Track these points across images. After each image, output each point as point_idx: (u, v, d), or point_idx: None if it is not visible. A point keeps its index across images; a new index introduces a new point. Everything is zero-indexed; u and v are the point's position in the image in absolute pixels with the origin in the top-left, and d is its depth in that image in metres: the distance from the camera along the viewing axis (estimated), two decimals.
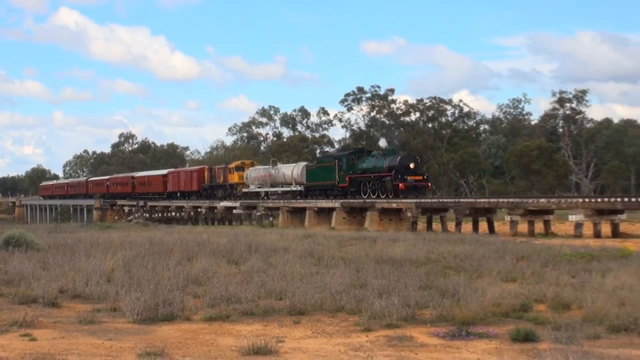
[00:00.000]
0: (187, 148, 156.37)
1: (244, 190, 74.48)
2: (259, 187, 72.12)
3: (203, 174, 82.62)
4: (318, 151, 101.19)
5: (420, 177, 53.95)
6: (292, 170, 66.96)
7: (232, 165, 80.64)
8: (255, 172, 74.22)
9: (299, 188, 65.20)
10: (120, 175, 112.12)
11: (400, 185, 51.59)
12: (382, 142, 65.61)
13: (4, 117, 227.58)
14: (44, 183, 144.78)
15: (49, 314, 14.73)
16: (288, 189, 67.10)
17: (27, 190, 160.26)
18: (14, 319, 13.69)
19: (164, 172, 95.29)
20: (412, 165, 53.45)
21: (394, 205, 54.74)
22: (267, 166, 74.60)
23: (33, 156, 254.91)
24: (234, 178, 76.90)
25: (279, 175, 68.52)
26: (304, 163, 69.14)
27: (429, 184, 59.07)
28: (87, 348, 11.64)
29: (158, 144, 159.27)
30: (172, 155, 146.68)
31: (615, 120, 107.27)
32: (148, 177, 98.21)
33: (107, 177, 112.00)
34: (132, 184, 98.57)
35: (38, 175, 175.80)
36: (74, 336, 12.58)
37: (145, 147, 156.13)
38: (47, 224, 74.59)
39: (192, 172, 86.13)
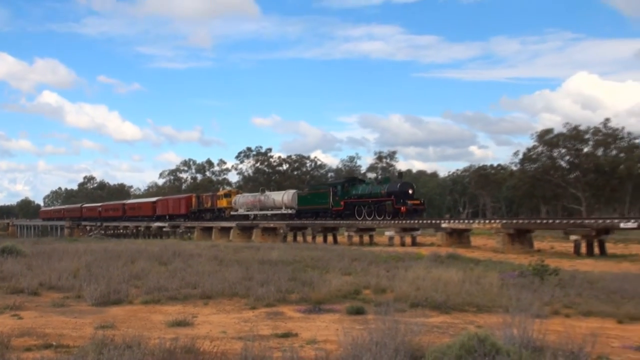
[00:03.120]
0: (131, 187, 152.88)
1: (232, 213, 65.47)
2: (248, 211, 63.60)
3: (191, 200, 73.66)
4: (220, 187, 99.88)
5: (418, 202, 46.51)
6: (282, 197, 59.32)
7: (221, 192, 72.71)
8: (243, 198, 65.92)
9: (290, 211, 57.28)
10: (112, 202, 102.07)
11: (402, 208, 43.84)
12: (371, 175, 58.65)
13: (3, 164, 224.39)
14: (43, 208, 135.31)
15: (32, 301, 14.27)
16: (279, 212, 59.08)
17: (17, 214, 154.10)
18: (7, 304, 13.35)
19: (154, 199, 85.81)
20: (410, 191, 46.17)
21: (272, 225, 54.98)
22: (255, 193, 66.73)
23: (23, 191, 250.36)
24: (222, 203, 67.79)
25: (269, 200, 60.55)
26: (294, 190, 61.84)
27: (424, 207, 50.87)
28: (59, 324, 11.42)
29: (111, 183, 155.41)
30: (121, 191, 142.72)
31: (414, 171, 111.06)
32: (138, 203, 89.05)
33: (99, 204, 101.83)
34: (123, 209, 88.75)
35: (26, 204, 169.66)
36: (49, 315, 12.37)
37: (102, 185, 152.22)
38: (32, 238, 71.59)
39: (181, 199, 77.29)
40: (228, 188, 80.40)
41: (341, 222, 48.44)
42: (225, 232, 59.79)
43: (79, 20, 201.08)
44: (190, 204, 72.50)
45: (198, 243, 43.33)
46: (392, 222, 43.69)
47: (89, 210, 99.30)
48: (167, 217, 75.85)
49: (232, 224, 60.26)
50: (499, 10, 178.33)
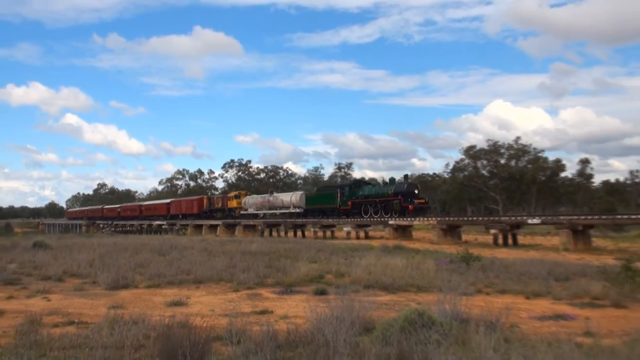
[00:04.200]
0: (136, 191, 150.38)
1: (242, 212, 59.99)
2: (257, 210, 58.07)
3: (202, 202, 67.75)
4: (209, 192, 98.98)
5: (423, 201, 42.47)
6: (290, 197, 54.16)
7: (231, 194, 66.17)
8: (252, 199, 60.13)
9: (297, 210, 52.16)
10: (129, 204, 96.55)
11: (409, 206, 39.82)
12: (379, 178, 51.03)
13: (35, 174, 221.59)
14: (70, 209, 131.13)
15: (58, 286, 14.21)
16: (287, 211, 53.65)
17: (45, 215, 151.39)
18: (39, 288, 13.38)
19: (167, 201, 79.20)
20: (416, 191, 42.22)
21: (252, 222, 54.23)
22: (263, 195, 60.87)
23: (49, 196, 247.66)
24: (232, 204, 62.30)
25: (277, 201, 55.29)
26: (301, 192, 56.56)
27: (429, 205, 47.06)
28: (79, 304, 11.34)
29: (120, 189, 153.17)
30: (128, 195, 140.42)
31: (367, 178, 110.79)
32: (154, 204, 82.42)
33: (118, 206, 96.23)
34: (140, 210, 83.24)
35: (52, 206, 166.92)
36: (71, 298, 12.27)
37: (113, 191, 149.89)
38: (57, 234, 70.26)
39: (193, 200, 71.17)
40: (238, 190, 73.68)
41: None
42: (213, 228, 58.75)
43: (95, 56, 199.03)
44: (202, 204, 67.35)
45: (191, 238, 42.85)
46: (349, 220, 43.61)
47: (109, 211, 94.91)
48: (180, 216, 70.78)
49: (219, 222, 59.34)
50: (434, 51, 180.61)
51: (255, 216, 57.92)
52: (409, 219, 39.02)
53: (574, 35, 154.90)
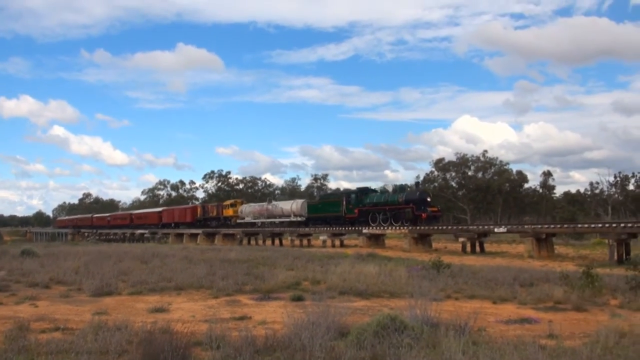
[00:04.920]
0: (119, 201, 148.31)
1: (239, 221, 56.52)
2: (255, 219, 54.58)
3: (196, 210, 64.90)
4: (190, 202, 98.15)
5: (436, 209, 39.80)
6: (290, 206, 50.87)
7: (227, 202, 62.25)
8: (249, 208, 56.64)
9: (299, 219, 48.70)
10: (120, 212, 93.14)
11: (422, 215, 37.00)
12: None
13: (23, 183, 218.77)
14: (59, 218, 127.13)
15: (45, 292, 14.02)
16: (287, 219, 50.33)
17: (33, 223, 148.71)
18: (26, 295, 13.24)
19: (159, 209, 75.96)
20: (428, 199, 39.33)
21: (231, 231, 53.90)
22: (261, 203, 57.61)
23: (37, 205, 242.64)
24: (228, 212, 58.56)
25: (277, 209, 52.03)
26: (302, 200, 53.32)
27: (441, 213, 44.36)
28: (65, 311, 11.22)
29: (104, 199, 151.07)
30: (111, 205, 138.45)
31: (341, 189, 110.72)
32: (145, 213, 78.65)
33: (108, 214, 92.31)
34: (130, 219, 79.57)
35: (39, 215, 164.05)
36: (58, 304, 12.17)
37: (97, 200, 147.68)
38: (44, 242, 68.91)
39: (187, 209, 68.24)
40: (233, 199, 69.76)
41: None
42: (194, 237, 58.20)
43: (82, 70, 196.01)
44: (196, 213, 64.17)
45: (172, 246, 42.47)
46: (325, 229, 43.55)
47: (98, 220, 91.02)
48: (173, 224, 67.43)
49: (199, 231, 58.62)
50: (405, 69, 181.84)
51: (253, 225, 54.88)
52: (381, 227, 39.13)
53: (536, 55, 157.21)
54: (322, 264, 20.42)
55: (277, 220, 52.10)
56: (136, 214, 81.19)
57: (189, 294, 13.68)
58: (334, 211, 44.61)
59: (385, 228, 38.87)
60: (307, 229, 46.65)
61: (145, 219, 75.63)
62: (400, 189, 41.14)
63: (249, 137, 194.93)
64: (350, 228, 42.68)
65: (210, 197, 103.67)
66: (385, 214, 39.66)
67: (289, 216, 50.38)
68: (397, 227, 37.93)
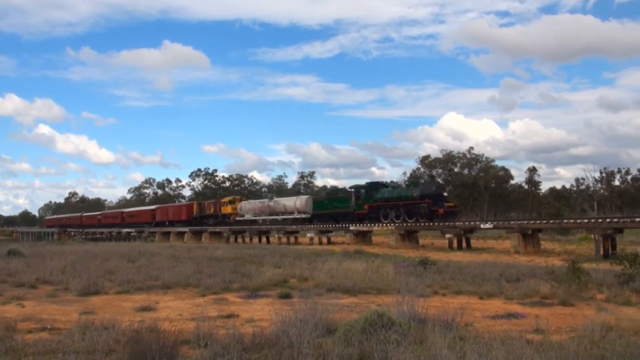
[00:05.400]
0: (105, 200, 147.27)
1: (238, 218, 53.99)
2: (255, 216, 52.13)
3: (192, 208, 61.90)
4: (177, 200, 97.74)
5: (453, 204, 37.44)
6: (294, 202, 48.14)
7: (225, 199, 59.88)
8: (249, 205, 54.37)
9: (303, 216, 46.01)
10: (111, 211, 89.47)
11: (439, 210, 34.67)
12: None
13: (9, 183, 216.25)
14: (47, 217, 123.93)
15: (31, 292, 14.00)
16: (291, 216, 47.59)
17: (19, 223, 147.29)
18: (13, 295, 13.14)
19: (153, 207, 73.27)
20: (445, 194, 37.19)
21: (217, 229, 53.71)
22: (262, 200, 55.93)
23: (23, 204, 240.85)
24: (227, 209, 56.35)
25: (279, 206, 49.64)
26: (307, 196, 51.16)
27: (459, 209, 41.72)
28: (52, 311, 11.20)
29: (90, 197, 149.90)
30: (97, 204, 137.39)
31: (328, 186, 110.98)
32: (137, 211, 76.06)
33: (98, 213, 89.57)
34: (122, 217, 76.82)
35: (25, 215, 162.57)
36: (44, 304, 12.14)
37: (83, 199, 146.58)
38: (30, 242, 68.19)
39: (182, 206, 65.90)
40: (232, 195, 66.95)
41: (369, 224, 39.09)
42: (180, 235, 57.89)
43: (67, 68, 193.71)
44: (192, 210, 61.40)
45: (159, 244, 42.29)
46: (312, 226, 43.49)
47: (88, 219, 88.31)
48: (167, 223, 64.66)
49: (186, 229, 58.16)
50: (391, 66, 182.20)
51: (253, 222, 52.55)
52: (368, 224, 39.13)
53: (522, 53, 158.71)
54: (310, 261, 20.44)
55: (279, 217, 49.66)
56: (128, 212, 78.75)
57: (176, 293, 13.63)
58: (342, 207, 42.27)
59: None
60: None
61: (138, 217, 73.29)
62: (414, 183, 38.48)
63: (235, 134, 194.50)
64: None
65: (197, 195, 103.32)
66: (399, 210, 37.29)
67: (292, 213, 48.03)
68: (382, 225, 37.89)
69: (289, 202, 49.67)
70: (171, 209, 67.22)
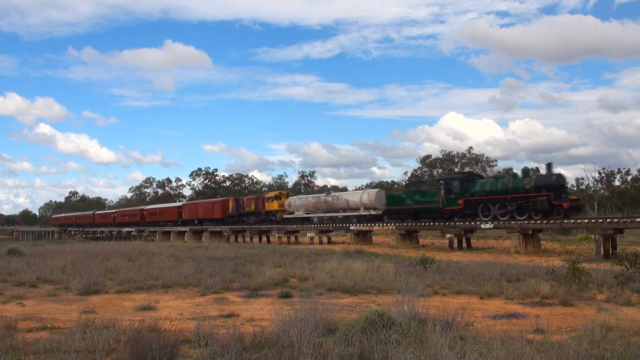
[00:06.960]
0: (106, 199, 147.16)
1: (286, 216, 48.07)
2: (308, 213, 45.50)
3: (227, 204, 55.62)
4: (177, 199, 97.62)
5: (576, 197, 31.78)
6: (360, 197, 41.57)
7: (270, 195, 52.49)
8: (300, 201, 47.43)
9: (372, 212, 39.98)
10: (128, 208, 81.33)
11: (563, 204, 28.46)
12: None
13: (10, 182, 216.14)
14: (54, 215, 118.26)
15: (31, 291, 14.21)
16: (356, 213, 41.38)
17: (19, 222, 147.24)
18: (13, 294, 13.28)
19: (179, 204, 67.25)
20: (567, 185, 31.81)
21: (218, 229, 53.56)
22: (317, 194, 48.24)
23: (23, 203, 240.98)
24: (272, 206, 50.06)
25: (340, 202, 42.96)
26: (377, 189, 44.89)
27: (583, 204, 36.03)
28: (52, 310, 11.22)
29: (91, 197, 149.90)
30: (98, 203, 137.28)
31: (329, 186, 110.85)
32: (160, 208, 68.99)
33: (113, 211, 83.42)
34: (141, 215, 70.22)
35: (26, 214, 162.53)
36: (45, 303, 12.17)
37: (84, 199, 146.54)
38: (30, 241, 68.13)
39: (214, 202, 58.72)
40: (278, 190, 61.66)
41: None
42: (181, 235, 57.90)
43: (68, 67, 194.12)
44: (227, 207, 55.48)
45: (159, 244, 42.32)
46: (312, 226, 43.45)
47: (101, 217, 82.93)
48: (196, 221, 58.87)
49: (186, 229, 57.67)
50: (391, 66, 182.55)
51: (306, 221, 46.02)
52: (368, 224, 39.08)
53: (522, 53, 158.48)
54: (310, 261, 20.48)
55: (339, 214, 43.49)
56: (148, 210, 71.79)
57: (177, 292, 13.66)
58: (428, 202, 35.80)
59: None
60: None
61: (161, 215, 66.69)
62: (524, 172, 32.25)
63: (235, 134, 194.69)
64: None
65: (197, 194, 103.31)
66: (505, 205, 31.16)
67: (357, 209, 41.75)
68: (383, 225, 37.86)
69: (354, 197, 43.24)
70: (201, 206, 61.15)
